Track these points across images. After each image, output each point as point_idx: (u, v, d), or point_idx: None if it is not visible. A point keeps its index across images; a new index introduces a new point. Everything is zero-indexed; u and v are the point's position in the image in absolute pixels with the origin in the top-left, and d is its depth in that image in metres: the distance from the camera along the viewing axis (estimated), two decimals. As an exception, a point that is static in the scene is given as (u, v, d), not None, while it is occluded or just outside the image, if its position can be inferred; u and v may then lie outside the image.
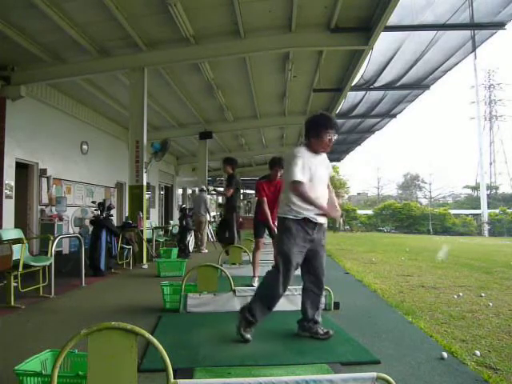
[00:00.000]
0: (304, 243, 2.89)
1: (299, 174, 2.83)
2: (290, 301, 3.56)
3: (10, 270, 3.94)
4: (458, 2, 6.77)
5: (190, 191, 24.40)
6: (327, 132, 2.92)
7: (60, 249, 8.05)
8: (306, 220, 2.88)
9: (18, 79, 7.46)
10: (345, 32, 7.14)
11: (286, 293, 3.09)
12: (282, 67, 8.79)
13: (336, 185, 30.96)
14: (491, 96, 43.75)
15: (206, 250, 9.66)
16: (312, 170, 2.91)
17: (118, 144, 12.58)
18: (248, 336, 2.80)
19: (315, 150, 2.99)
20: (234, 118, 12.87)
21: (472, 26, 7.40)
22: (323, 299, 3.17)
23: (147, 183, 7.89)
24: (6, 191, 7.48)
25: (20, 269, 4.00)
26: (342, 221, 3.27)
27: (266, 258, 5.87)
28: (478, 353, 2.73)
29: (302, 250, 2.90)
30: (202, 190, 10.15)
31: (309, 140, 3.01)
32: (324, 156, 3.08)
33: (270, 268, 3.09)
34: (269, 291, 2.89)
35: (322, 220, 2.96)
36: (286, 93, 10.64)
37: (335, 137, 2.95)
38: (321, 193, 2.96)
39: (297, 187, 2.84)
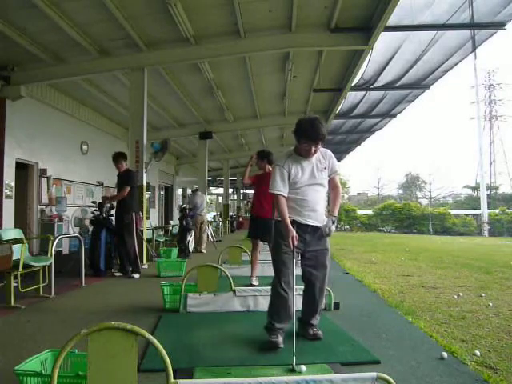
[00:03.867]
0: (296, 244, 2.82)
1: (277, 186, 2.86)
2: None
3: (9, 270, 3.94)
4: (458, 1, 6.76)
5: (189, 191, 24.38)
6: (303, 141, 2.81)
7: (60, 249, 8.05)
8: (296, 222, 2.85)
9: (18, 79, 7.45)
10: (345, 32, 7.14)
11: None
12: (281, 67, 8.78)
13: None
14: (491, 96, 43.73)
15: (205, 251, 9.69)
16: (298, 175, 2.86)
17: (117, 144, 12.56)
18: (274, 339, 2.74)
19: (300, 154, 2.91)
20: (234, 118, 12.87)
21: (472, 26, 7.39)
22: (322, 305, 3.10)
23: (147, 183, 7.89)
24: (6, 191, 7.48)
25: (20, 269, 4.00)
26: (329, 228, 2.89)
27: (266, 258, 5.87)
28: (477, 353, 2.73)
29: (295, 250, 2.83)
30: (196, 190, 10.08)
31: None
32: (317, 156, 2.92)
33: (269, 267, 3.10)
34: (273, 295, 2.90)
35: (316, 222, 2.87)
36: (286, 93, 10.63)
37: (315, 147, 2.80)
38: (312, 196, 2.87)
39: (275, 199, 2.89)
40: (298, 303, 3.19)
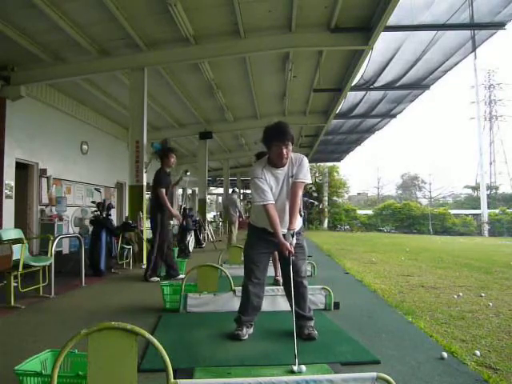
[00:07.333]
0: (267, 245, 2.99)
1: (262, 196, 2.83)
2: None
3: (9, 270, 3.94)
4: (458, 1, 6.77)
5: (190, 191, 24.36)
6: (274, 144, 2.84)
7: (60, 249, 8.05)
8: (264, 229, 2.97)
9: (18, 79, 7.45)
10: (345, 32, 7.13)
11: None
12: (282, 67, 8.78)
13: (336, 184, 30.89)
14: (491, 96, 43.69)
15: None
16: (272, 185, 2.90)
17: (118, 144, 12.58)
18: (238, 332, 2.92)
19: (274, 163, 2.92)
20: (234, 118, 12.88)
21: (472, 26, 7.40)
22: (306, 298, 3.06)
23: (147, 183, 7.88)
24: (5, 191, 7.47)
25: (20, 269, 3.99)
26: (290, 243, 2.80)
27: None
28: (478, 353, 2.73)
29: (264, 251, 3.03)
30: (233, 192, 10.71)
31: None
32: (289, 165, 2.92)
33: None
34: (242, 291, 3.11)
35: (285, 229, 2.91)
36: (286, 93, 10.63)
37: (286, 148, 2.82)
38: (279, 206, 2.92)
39: (265, 209, 2.83)
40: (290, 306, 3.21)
